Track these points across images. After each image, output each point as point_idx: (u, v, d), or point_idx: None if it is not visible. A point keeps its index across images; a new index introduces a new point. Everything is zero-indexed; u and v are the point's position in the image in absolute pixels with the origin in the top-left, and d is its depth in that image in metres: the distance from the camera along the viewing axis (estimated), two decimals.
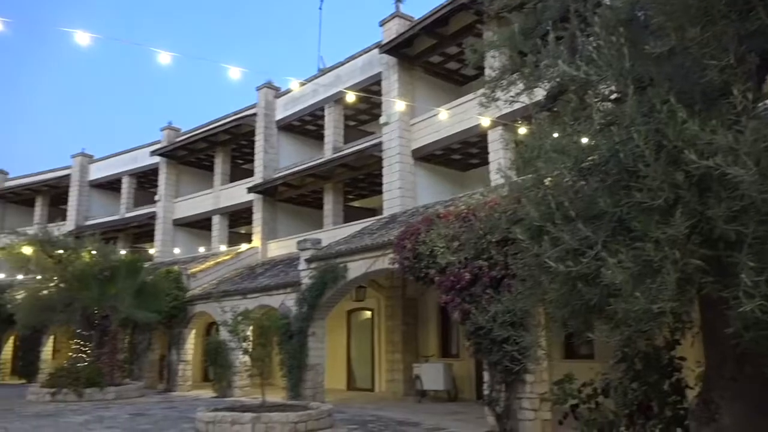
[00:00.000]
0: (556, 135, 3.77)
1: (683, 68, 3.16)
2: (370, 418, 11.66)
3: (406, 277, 12.52)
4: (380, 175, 18.20)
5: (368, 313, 17.90)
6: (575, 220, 3.17)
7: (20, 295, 19.91)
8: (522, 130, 7.03)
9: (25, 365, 23.84)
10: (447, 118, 15.23)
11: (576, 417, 4.34)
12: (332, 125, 20.69)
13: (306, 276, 14.95)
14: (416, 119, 17.72)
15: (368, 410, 12.81)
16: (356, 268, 13.73)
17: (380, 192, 18.46)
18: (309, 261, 15.00)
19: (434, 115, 16.41)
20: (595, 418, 4.21)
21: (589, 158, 3.50)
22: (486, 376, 10.05)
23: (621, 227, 3.11)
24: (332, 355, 16.66)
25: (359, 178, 20.65)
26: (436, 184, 18.01)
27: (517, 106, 5.51)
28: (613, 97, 3.88)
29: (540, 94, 5.11)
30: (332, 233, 18.53)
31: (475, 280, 9.82)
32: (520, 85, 5.17)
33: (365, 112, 21.75)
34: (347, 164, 19.41)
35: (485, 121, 12.83)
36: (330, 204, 20.41)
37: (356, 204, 22.81)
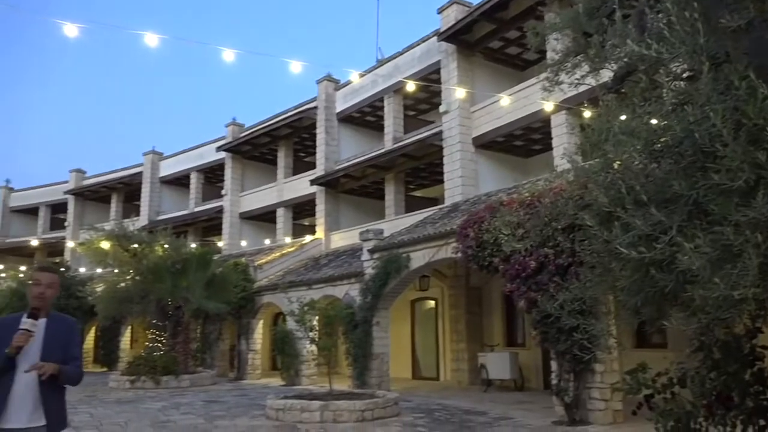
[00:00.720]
0: (624, 117, 3.65)
1: (763, 42, 2.99)
2: (436, 406, 11.69)
3: (470, 266, 12.44)
4: (441, 164, 18.11)
5: (432, 303, 17.91)
6: (647, 204, 3.06)
7: (100, 287, 20.97)
8: (587, 114, 6.84)
9: (106, 354, 25.13)
10: (508, 104, 14.97)
11: (651, 407, 4.21)
12: (392, 115, 20.71)
13: (369, 266, 15.08)
14: (476, 106, 17.52)
15: (434, 399, 12.84)
16: (419, 257, 13.75)
17: (441, 181, 18.39)
18: (372, 251, 15.11)
19: (495, 102, 16.18)
20: (671, 409, 4.06)
21: (661, 140, 3.37)
22: (553, 365, 9.90)
23: (697, 211, 2.98)
24: (396, 344, 16.76)
25: (420, 168, 20.62)
26: (498, 172, 17.78)
27: (582, 89, 5.35)
28: (685, 75, 3.71)
29: (606, 75, 4.95)
30: (394, 223, 18.61)
31: (540, 268, 9.66)
32: (585, 67, 5.01)
33: (425, 101, 21.67)
34: (408, 154, 19.41)
35: (548, 106, 12.56)
36: (391, 194, 20.48)
37: (417, 194, 22.80)
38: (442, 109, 18.07)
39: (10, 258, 34.28)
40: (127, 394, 15.16)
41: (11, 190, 36.89)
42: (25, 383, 3.19)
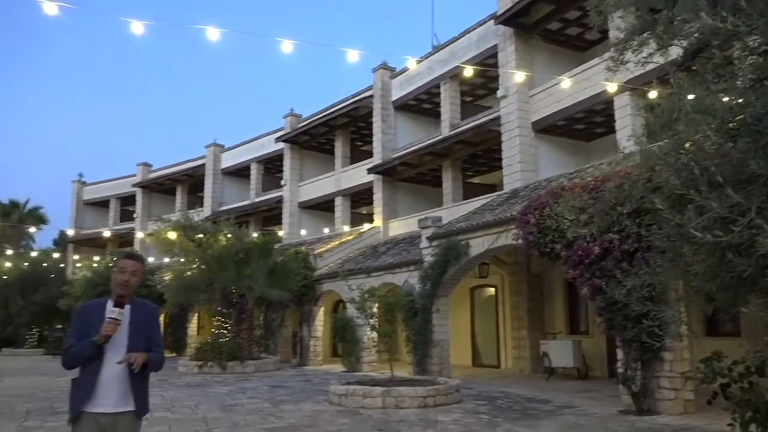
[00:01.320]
0: (696, 95, 3.50)
1: None
2: (498, 394, 11.61)
3: (531, 252, 12.25)
4: (499, 150, 17.86)
5: (492, 290, 17.75)
6: (723, 185, 2.94)
7: (167, 276, 21.75)
8: (654, 94, 6.58)
9: (175, 340, 26.13)
10: (569, 87, 14.58)
11: (727, 397, 4.05)
12: (448, 102, 20.54)
13: (428, 254, 15.06)
14: (535, 90, 17.16)
15: (495, 387, 12.76)
16: (478, 244, 13.63)
17: (500, 167, 18.14)
18: (430, 239, 15.08)
19: (555, 85, 15.80)
20: (749, 399, 3.90)
21: (737, 118, 3.22)
22: (619, 353, 9.65)
23: None
24: (456, 331, 16.72)
25: (478, 154, 20.39)
26: (559, 156, 17.39)
27: (648, 67, 5.15)
28: (763, 49, 3.52)
29: (675, 52, 4.75)
30: (452, 210, 18.50)
31: (605, 254, 9.41)
32: (653, 45, 4.83)
33: (481, 87, 21.38)
34: (465, 140, 19.23)
35: (612, 87, 12.16)
36: (449, 181, 20.36)
37: (475, 180, 22.59)
38: (499, 93, 17.78)
39: (84, 249, 36.03)
40: (196, 379, 15.71)
41: (84, 184, 38.65)
42: (113, 370, 3.27)
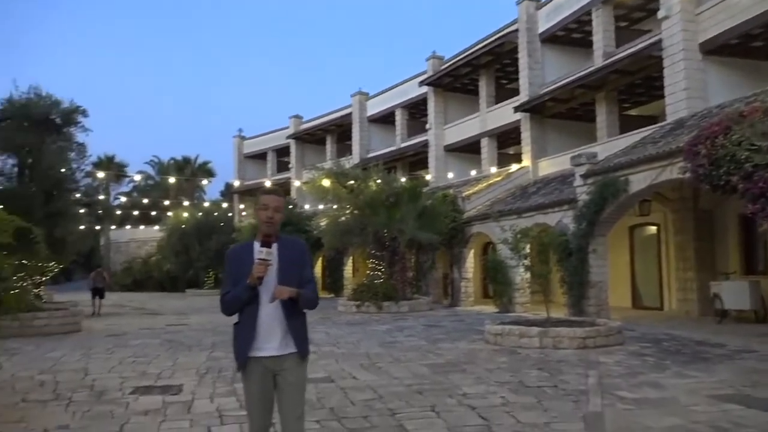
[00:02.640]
0: None
1: None
2: (664, 336, 11.03)
3: (700, 187, 11.28)
4: (660, 78, 16.44)
5: (653, 229, 16.70)
6: None
7: (323, 222, 22.94)
8: None
9: (332, 282, 27.76)
10: None
11: None
12: (601, 29, 19.14)
13: (582, 192, 14.44)
14: (703, 7, 15.45)
15: (659, 329, 12.13)
16: (639, 180, 12.80)
17: (661, 96, 16.75)
18: (585, 176, 14.41)
19: None
20: None
21: None
22: None
23: None
24: (614, 272, 16.01)
25: (635, 84, 18.96)
26: (731, 80, 15.63)
27: None
28: None
29: None
30: (607, 146, 17.46)
31: None
32: None
33: (638, 9, 19.66)
34: (621, 70, 17.90)
35: None
36: (603, 115, 19.20)
37: (633, 112, 21.09)
38: (661, 14, 16.19)
39: (247, 198, 39.02)
40: (355, 317, 16.61)
41: (243, 138, 41.48)
42: (270, 312, 3.16)
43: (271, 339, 3.16)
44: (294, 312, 3.20)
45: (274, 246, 3.16)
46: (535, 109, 21.45)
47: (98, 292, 20.12)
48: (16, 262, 8.64)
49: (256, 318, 3.16)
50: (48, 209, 15.62)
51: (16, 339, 11.76)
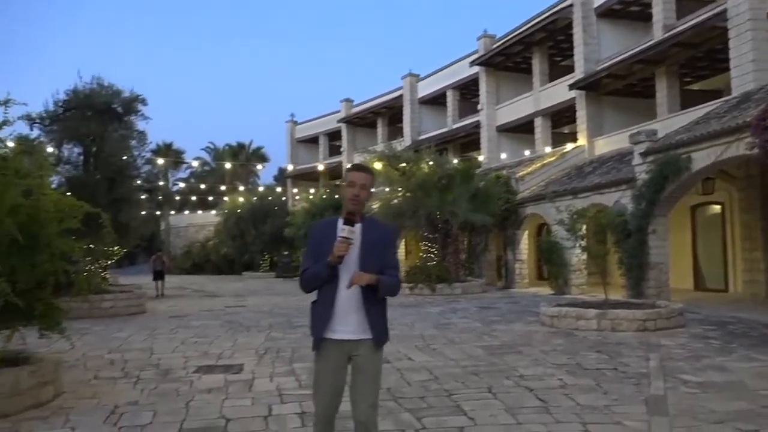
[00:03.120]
0: None
1: None
2: (729, 319, 10.65)
3: None
4: (725, 50, 15.72)
5: (717, 208, 16.07)
6: None
7: (376, 205, 23.00)
8: None
9: None
10: None
11: None
12: (661, 1, 18.37)
13: (642, 171, 14.01)
14: None
15: (724, 311, 11.71)
16: (702, 158, 12.32)
17: (725, 69, 16.05)
18: (644, 155, 13.97)
19: None
20: None
21: None
22: None
23: None
24: (675, 253, 15.50)
25: (698, 57, 18.20)
26: None
27: None
28: None
29: None
30: (668, 122, 16.86)
31: None
32: None
33: None
34: (682, 42, 17.18)
35: None
36: (663, 90, 18.52)
37: (695, 87, 20.24)
38: None
39: (300, 182, 39.55)
40: (408, 299, 16.65)
41: (295, 123, 41.93)
42: (349, 295, 3.04)
43: (348, 322, 3.06)
44: (373, 298, 3.08)
45: (358, 226, 3.03)
46: (590, 86, 20.85)
47: (159, 275, 20.87)
48: (86, 247, 9.03)
49: (333, 299, 3.05)
50: (111, 195, 16.16)
51: (85, 320, 12.31)
